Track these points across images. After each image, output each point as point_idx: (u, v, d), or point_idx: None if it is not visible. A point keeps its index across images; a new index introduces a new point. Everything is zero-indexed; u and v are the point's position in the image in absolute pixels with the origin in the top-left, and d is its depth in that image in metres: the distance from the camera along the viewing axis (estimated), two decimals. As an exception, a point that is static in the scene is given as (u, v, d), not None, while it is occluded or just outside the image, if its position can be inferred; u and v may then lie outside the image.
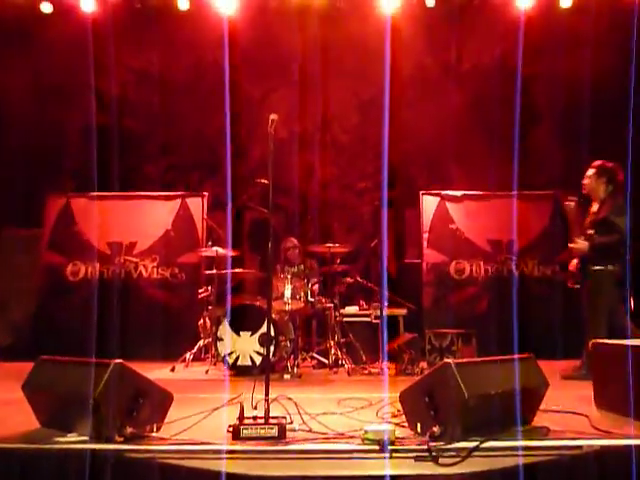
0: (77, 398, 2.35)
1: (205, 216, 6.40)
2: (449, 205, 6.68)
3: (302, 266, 5.59)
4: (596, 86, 6.26)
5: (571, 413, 2.83)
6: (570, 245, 4.43)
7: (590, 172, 4.51)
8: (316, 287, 5.42)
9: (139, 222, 6.46)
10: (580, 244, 4.26)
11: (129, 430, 2.28)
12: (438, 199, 6.69)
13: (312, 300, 5.05)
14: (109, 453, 2.21)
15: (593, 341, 3.25)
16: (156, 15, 6.62)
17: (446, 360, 2.32)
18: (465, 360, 2.50)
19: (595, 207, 4.45)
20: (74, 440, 2.33)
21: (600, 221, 4.29)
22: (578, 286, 4.49)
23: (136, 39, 6.85)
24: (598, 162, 4.52)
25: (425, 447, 2.17)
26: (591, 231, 4.30)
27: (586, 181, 4.53)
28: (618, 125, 5.28)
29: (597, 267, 4.24)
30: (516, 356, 2.55)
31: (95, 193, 6.51)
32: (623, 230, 4.15)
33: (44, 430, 2.52)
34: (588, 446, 2.26)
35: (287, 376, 4.56)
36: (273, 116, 2.90)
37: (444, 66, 7.11)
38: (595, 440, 2.32)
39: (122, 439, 2.27)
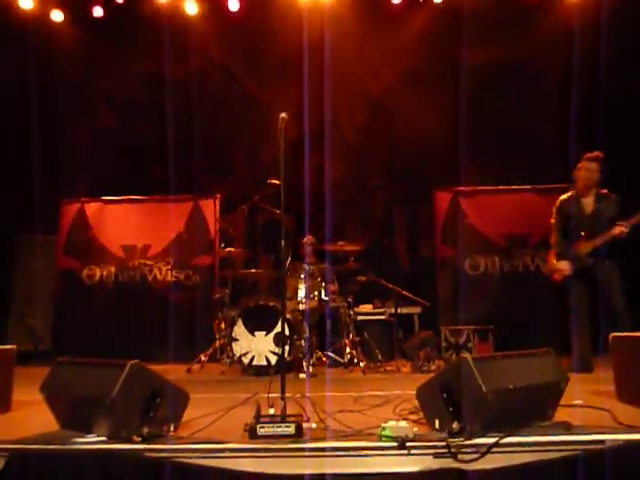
0: (95, 399, 2.35)
1: (218, 218, 6.42)
2: (462, 201, 6.63)
3: (313, 267, 5.51)
4: (604, 78, 6.15)
5: (593, 408, 2.77)
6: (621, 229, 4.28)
7: (593, 165, 4.46)
8: (334, 288, 5.42)
9: (152, 225, 6.52)
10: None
11: (146, 430, 2.28)
12: (451, 195, 6.64)
13: (326, 299, 5.04)
14: (127, 453, 2.21)
15: (613, 334, 3.19)
16: (164, 18, 6.66)
17: (463, 355, 2.29)
18: (482, 355, 2.46)
19: (589, 200, 4.45)
20: (93, 441, 2.34)
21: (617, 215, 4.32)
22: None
23: (144, 42, 6.89)
24: (597, 153, 4.50)
25: (444, 443, 2.14)
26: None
27: (587, 174, 4.48)
28: (630, 118, 5.18)
29: (611, 261, 4.31)
30: (535, 350, 2.51)
31: (108, 197, 6.58)
32: None
33: (63, 431, 2.54)
34: (611, 441, 2.21)
35: (302, 375, 4.55)
36: (283, 115, 2.88)
37: (453, 61, 7.04)
38: (618, 434, 2.27)
39: (140, 439, 2.27)
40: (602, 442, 2.21)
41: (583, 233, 4.43)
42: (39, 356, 6.17)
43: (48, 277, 6.51)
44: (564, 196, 4.68)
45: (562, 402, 2.59)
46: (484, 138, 6.78)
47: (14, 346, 3.38)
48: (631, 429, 2.35)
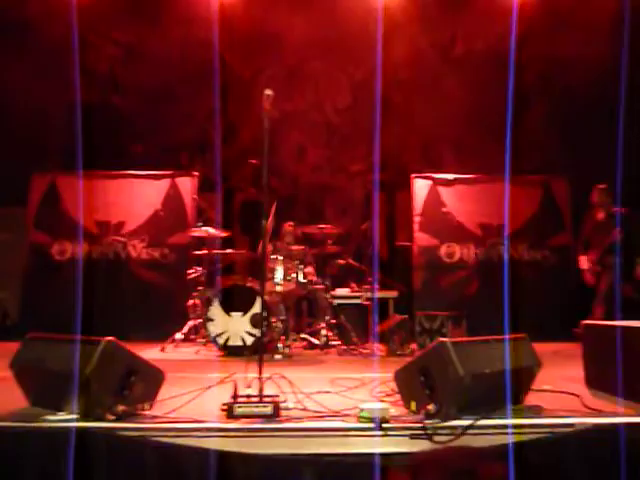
0: (67, 376, 2.29)
1: (195, 196, 6.31)
2: (441, 188, 6.67)
3: (291, 249, 5.53)
4: (590, 70, 6.23)
5: (563, 392, 2.85)
6: None
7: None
8: (311, 270, 5.42)
9: (128, 201, 6.37)
10: None
11: (120, 408, 2.25)
12: (430, 182, 6.67)
13: (303, 281, 5.02)
14: (100, 432, 2.17)
15: (584, 322, 3.28)
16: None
17: (442, 339, 2.31)
18: (461, 339, 2.49)
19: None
20: (64, 419, 2.29)
21: None
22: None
23: (124, 13, 6.65)
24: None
25: (420, 425, 2.16)
26: None
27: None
28: (611, 110, 5.28)
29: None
30: (510, 336, 2.56)
31: (82, 172, 6.38)
32: None
33: (33, 409, 2.48)
34: (580, 424, 2.27)
35: (278, 356, 4.54)
36: (268, 91, 2.81)
37: (438, 50, 7.03)
38: (587, 418, 2.34)
39: (113, 417, 2.23)
40: (571, 425, 2.28)
41: None
42: (5, 331, 6.02)
43: (17, 251, 6.31)
44: None
45: (533, 387, 2.65)
46: (464, 127, 6.83)
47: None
48: (599, 413, 2.43)
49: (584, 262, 5.55)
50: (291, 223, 5.79)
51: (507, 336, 2.55)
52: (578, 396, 2.73)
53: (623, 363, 2.70)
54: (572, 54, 6.39)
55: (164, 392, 2.60)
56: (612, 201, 5.48)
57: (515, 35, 6.17)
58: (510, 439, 2.21)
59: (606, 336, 2.97)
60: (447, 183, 6.67)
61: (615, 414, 2.41)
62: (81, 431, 2.18)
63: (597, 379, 2.98)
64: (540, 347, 2.74)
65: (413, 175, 6.69)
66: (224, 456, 2.08)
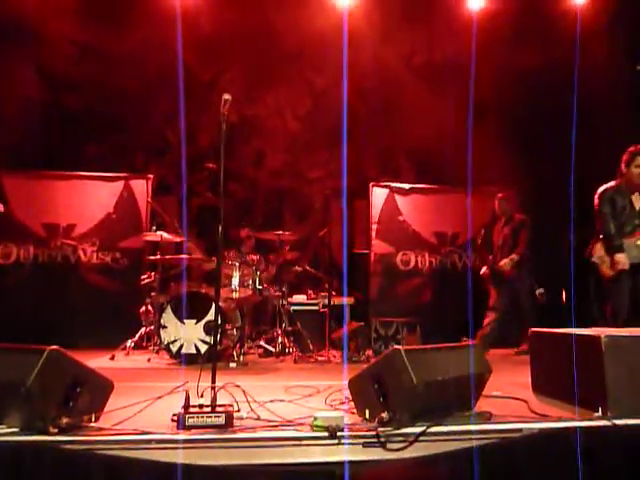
0: (7, 387, 2.18)
1: (149, 199, 6.16)
2: (397, 197, 6.79)
3: (248, 255, 5.52)
4: (549, 81, 6.48)
5: (511, 398, 2.94)
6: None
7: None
8: (264, 274, 5.40)
9: (79, 203, 6.13)
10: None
11: (65, 420, 2.15)
12: (387, 191, 6.78)
13: (260, 288, 4.98)
14: (43, 445, 2.07)
15: (532, 329, 3.39)
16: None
17: (395, 347, 2.34)
18: (414, 347, 2.53)
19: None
20: (3, 432, 2.17)
21: None
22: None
23: (80, 11, 6.43)
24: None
25: (374, 433, 2.18)
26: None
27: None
28: (565, 120, 5.50)
29: None
30: (462, 343, 2.61)
31: (30, 171, 6.11)
32: None
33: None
34: (527, 429, 2.35)
35: (233, 364, 4.48)
36: (226, 96, 2.78)
37: (398, 59, 7.16)
38: (534, 423, 2.42)
39: (57, 430, 2.13)
40: (519, 430, 2.35)
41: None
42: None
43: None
44: (610, 186, 4.28)
45: (483, 393, 2.72)
46: (422, 137, 6.96)
47: None
48: (545, 418, 2.52)
49: (483, 269, 5.78)
50: (247, 229, 5.75)
51: (459, 343, 2.60)
52: (525, 401, 2.82)
53: (568, 369, 2.81)
54: (531, 66, 6.65)
55: (112, 403, 2.51)
56: (512, 208, 5.74)
57: (475, 47, 6.39)
58: (462, 445, 2.26)
59: (551, 343, 3.08)
60: (404, 192, 6.80)
61: (560, 418, 2.49)
62: (22, 445, 2.08)
63: (543, 385, 3.09)
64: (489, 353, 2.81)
65: (372, 183, 6.77)
66: (174, 469, 2.02)
